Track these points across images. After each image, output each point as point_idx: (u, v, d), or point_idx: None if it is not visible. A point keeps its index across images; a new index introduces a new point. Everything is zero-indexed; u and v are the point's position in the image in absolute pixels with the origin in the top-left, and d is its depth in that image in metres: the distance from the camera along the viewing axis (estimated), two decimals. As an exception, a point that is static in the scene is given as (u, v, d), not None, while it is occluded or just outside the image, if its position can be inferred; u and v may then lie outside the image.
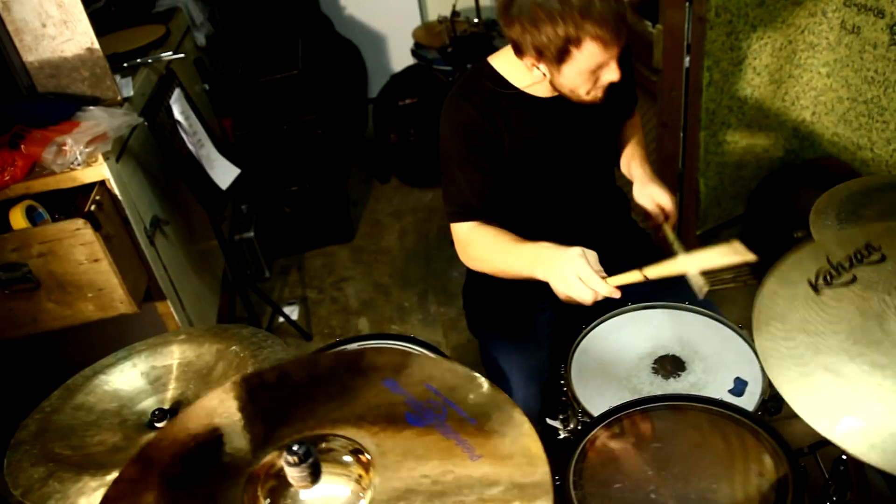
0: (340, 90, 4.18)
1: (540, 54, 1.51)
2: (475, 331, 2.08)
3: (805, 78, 2.58)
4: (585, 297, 1.41)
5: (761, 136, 2.69)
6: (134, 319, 2.19)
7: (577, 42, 1.45)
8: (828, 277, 1.13)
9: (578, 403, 1.56)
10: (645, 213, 1.77)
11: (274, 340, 1.45)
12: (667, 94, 2.58)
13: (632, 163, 1.86)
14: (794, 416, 1.84)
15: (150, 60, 2.59)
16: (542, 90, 1.68)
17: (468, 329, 2.17)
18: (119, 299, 2.12)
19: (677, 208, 1.76)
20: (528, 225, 1.85)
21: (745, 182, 2.80)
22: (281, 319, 3.02)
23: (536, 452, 0.94)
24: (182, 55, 2.61)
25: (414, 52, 3.92)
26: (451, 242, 3.45)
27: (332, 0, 4.37)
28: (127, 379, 1.44)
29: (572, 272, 1.41)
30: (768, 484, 1.20)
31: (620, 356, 1.67)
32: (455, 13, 3.66)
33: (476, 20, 3.71)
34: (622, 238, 1.99)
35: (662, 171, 2.75)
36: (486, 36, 3.60)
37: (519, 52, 1.57)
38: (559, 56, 1.49)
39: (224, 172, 2.61)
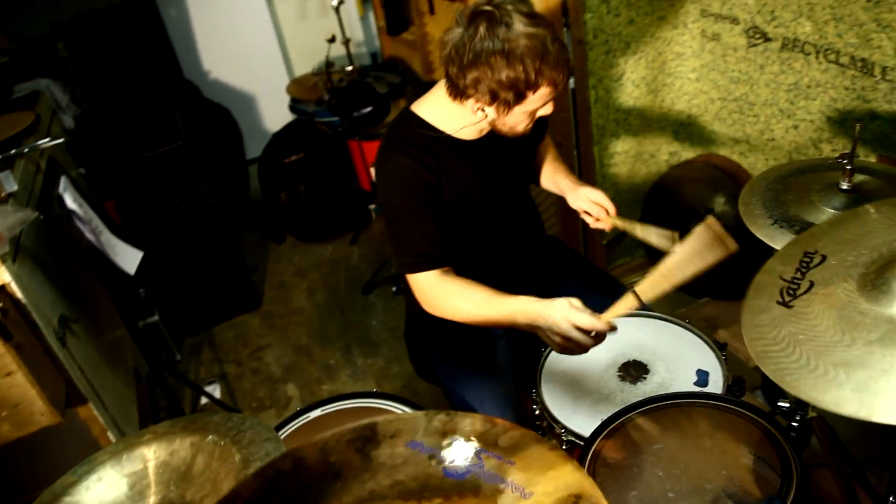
0: (217, 155, 4.07)
1: (494, 97, 1.54)
2: (426, 374, 2.06)
3: (677, 85, 2.77)
4: (586, 342, 1.43)
5: (647, 142, 2.86)
6: (55, 428, 2.02)
7: (535, 86, 1.51)
8: (791, 291, 1.22)
9: (560, 424, 1.58)
10: (588, 215, 1.93)
11: (252, 421, 1.38)
12: (557, 116, 2.69)
13: (556, 177, 2.00)
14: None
15: (25, 150, 2.42)
16: (469, 132, 1.71)
17: (416, 373, 2.14)
18: (39, 412, 1.95)
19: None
20: (463, 258, 1.88)
21: (639, 187, 2.96)
22: (205, 400, 2.87)
23: (581, 478, 0.95)
24: (62, 140, 2.45)
25: (292, 108, 3.88)
26: (362, 291, 3.45)
27: (195, 66, 4.26)
28: (97, 495, 1.32)
29: (567, 323, 1.42)
30: (767, 458, 1.27)
31: (586, 371, 1.71)
32: (329, 64, 3.66)
33: (350, 68, 3.73)
34: (544, 250, 2.10)
35: (563, 190, 2.86)
36: (363, 83, 3.62)
37: (463, 96, 1.59)
38: (516, 98, 1.54)
39: (128, 257, 2.47)
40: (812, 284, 1.22)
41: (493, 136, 1.74)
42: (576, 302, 1.45)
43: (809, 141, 2.37)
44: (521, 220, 1.98)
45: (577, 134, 2.75)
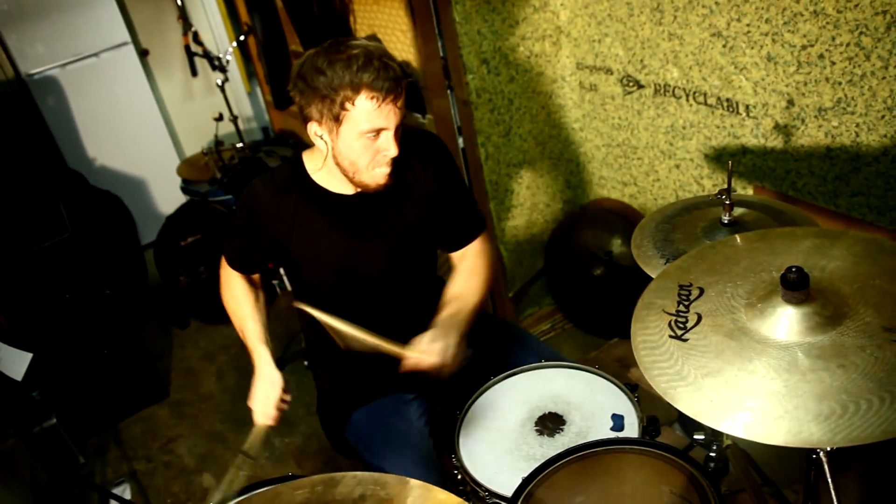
0: (109, 244, 3.91)
1: (320, 116, 1.57)
2: (343, 447, 2.01)
3: (563, 135, 2.87)
4: (260, 415, 1.72)
5: (540, 193, 2.93)
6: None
7: (352, 98, 1.52)
8: (680, 325, 1.26)
9: (483, 487, 1.56)
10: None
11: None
12: (452, 176, 2.74)
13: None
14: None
15: None
16: (340, 184, 1.72)
17: (332, 449, 2.09)
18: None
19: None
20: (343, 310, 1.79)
21: (538, 237, 3.02)
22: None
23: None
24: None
25: (185, 189, 3.80)
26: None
27: (80, 155, 4.13)
28: None
29: (262, 390, 1.71)
30: (687, 496, 1.28)
31: (503, 429, 1.70)
32: (219, 142, 3.62)
33: (240, 145, 3.69)
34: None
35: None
36: (255, 158, 3.59)
37: (305, 120, 1.62)
38: (337, 115, 1.55)
39: (13, 361, 2.32)
40: (700, 318, 1.27)
41: (372, 197, 1.73)
42: (277, 384, 1.72)
43: (692, 178, 2.49)
44: (415, 286, 1.92)
45: (471, 192, 2.79)
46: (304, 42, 3.09)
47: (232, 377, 3.37)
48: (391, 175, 1.67)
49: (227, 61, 3.47)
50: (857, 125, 1.93)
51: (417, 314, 1.84)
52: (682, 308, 1.31)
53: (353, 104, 1.53)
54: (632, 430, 1.61)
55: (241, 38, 3.76)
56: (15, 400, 2.37)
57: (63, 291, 2.91)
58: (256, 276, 1.92)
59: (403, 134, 1.67)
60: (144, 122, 4.31)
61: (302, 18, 2.96)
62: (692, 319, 1.28)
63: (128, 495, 2.78)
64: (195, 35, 3.49)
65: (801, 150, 2.09)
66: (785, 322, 1.19)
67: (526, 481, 1.43)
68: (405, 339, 1.80)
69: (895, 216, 1.95)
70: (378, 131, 1.58)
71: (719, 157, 2.35)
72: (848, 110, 1.93)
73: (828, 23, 1.87)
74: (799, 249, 1.35)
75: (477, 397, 1.81)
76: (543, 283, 3.16)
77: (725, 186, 1.62)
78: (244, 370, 3.40)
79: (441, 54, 2.55)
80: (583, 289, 2.97)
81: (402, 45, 2.74)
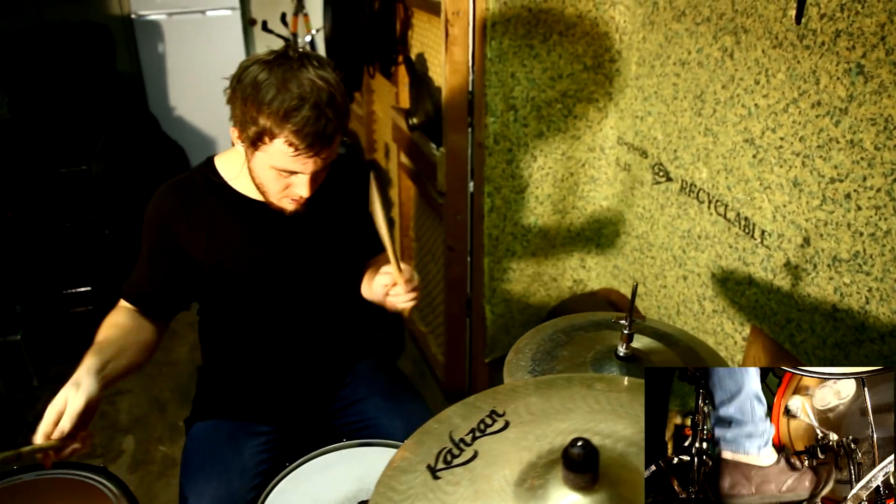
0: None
1: (242, 130, 1.44)
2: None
3: (589, 210, 2.60)
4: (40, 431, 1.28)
5: (548, 264, 2.66)
6: None
7: (271, 135, 1.39)
8: (448, 458, 1.00)
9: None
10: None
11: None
12: (452, 218, 2.53)
13: (367, 280, 1.73)
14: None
15: None
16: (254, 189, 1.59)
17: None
18: None
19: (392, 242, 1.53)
20: (252, 336, 1.75)
21: (534, 311, 2.75)
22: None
23: None
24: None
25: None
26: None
27: (161, 101, 4.26)
28: None
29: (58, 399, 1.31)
30: None
31: (318, 500, 1.49)
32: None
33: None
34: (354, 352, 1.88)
35: (450, 296, 2.68)
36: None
37: (232, 119, 1.49)
38: (254, 141, 1.42)
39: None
40: (475, 455, 1.01)
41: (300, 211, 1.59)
42: (78, 395, 1.33)
43: (695, 295, 2.17)
44: (330, 305, 1.78)
45: (471, 240, 2.57)
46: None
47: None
48: (305, 204, 1.54)
49: (303, 48, 3.44)
50: (870, 290, 1.57)
51: (333, 333, 1.80)
52: (468, 439, 1.04)
53: (270, 141, 1.40)
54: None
55: (315, 31, 3.72)
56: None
57: (64, 219, 2.96)
58: (149, 326, 1.65)
59: (337, 158, 1.56)
60: (232, 87, 4.37)
61: (348, 27, 2.87)
62: (467, 455, 1.01)
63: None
64: (283, 17, 3.49)
65: (806, 300, 1.74)
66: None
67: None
68: (316, 356, 1.78)
69: (885, 412, 1.57)
70: (291, 173, 1.46)
71: (725, 282, 2.02)
72: (863, 269, 1.58)
73: (862, 158, 1.54)
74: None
75: (317, 455, 1.59)
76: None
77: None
78: (219, 350, 3.34)
79: (469, 89, 2.36)
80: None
81: (441, 69, 2.58)
